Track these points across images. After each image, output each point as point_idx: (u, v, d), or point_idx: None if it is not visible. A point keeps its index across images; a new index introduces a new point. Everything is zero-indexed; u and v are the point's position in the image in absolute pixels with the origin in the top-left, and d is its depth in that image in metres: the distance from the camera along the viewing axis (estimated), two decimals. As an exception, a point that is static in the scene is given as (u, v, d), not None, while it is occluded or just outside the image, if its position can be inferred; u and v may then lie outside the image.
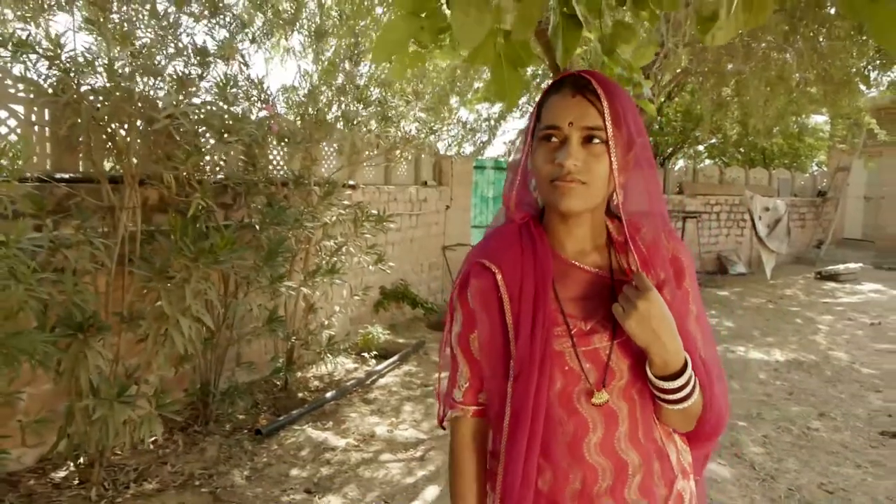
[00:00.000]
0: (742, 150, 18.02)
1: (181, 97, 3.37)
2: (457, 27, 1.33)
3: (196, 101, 3.62)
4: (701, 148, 19.06)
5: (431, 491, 3.67)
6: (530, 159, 1.24)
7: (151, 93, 3.53)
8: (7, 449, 3.09)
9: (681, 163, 18.25)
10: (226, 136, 3.49)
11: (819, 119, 17.61)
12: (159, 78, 3.46)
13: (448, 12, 1.44)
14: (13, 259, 2.66)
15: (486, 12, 1.34)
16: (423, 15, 1.41)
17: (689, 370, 1.17)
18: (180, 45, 3.66)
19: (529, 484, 1.19)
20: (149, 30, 3.63)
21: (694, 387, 1.18)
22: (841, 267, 12.88)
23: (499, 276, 1.25)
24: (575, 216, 1.22)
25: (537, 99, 1.23)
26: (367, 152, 6.05)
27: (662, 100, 10.04)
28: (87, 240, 3.31)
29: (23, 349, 2.74)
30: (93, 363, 3.22)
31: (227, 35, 4.13)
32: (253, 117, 4.25)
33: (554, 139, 1.18)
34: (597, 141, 1.16)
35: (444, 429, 1.40)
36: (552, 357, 1.19)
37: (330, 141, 5.21)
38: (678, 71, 7.23)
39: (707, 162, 19.33)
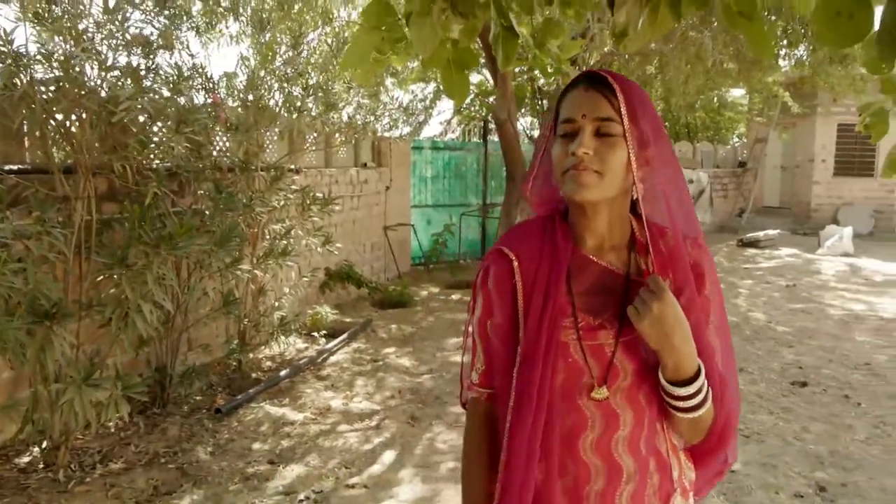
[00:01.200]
0: (667, 124, 18.72)
1: (134, 89, 3.47)
2: (414, 38, 1.56)
3: (147, 92, 3.72)
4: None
5: (388, 455, 3.94)
6: (550, 154, 1.27)
7: (104, 85, 3.62)
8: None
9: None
10: (181, 126, 3.61)
11: (737, 93, 18.44)
12: (111, 70, 3.55)
13: (404, 25, 1.67)
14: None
15: (437, 26, 1.58)
16: (382, 28, 1.65)
17: (703, 378, 1.17)
18: (128, 36, 3.76)
19: (532, 468, 1.19)
20: (96, 23, 3.72)
21: (706, 396, 1.18)
22: (761, 234, 13.66)
23: (515, 264, 1.27)
24: (591, 207, 1.23)
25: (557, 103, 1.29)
26: (308, 137, 6.20)
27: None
28: (46, 230, 3.41)
29: (-4, 337, 2.87)
30: (59, 349, 3.35)
31: (168, 24, 4.23)
32: (196, 104, 4.36)
33: (570, 133, 1.20)
34: (611, 132, 1.18)
35: (465, 408, 1.42)
36: (557, 346, 1.21)
37: (273, 127, 5.35)
38: (605, 51, 7.58)
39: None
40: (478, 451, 1.34)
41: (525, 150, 9.41)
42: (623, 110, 1.18)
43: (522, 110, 11.56)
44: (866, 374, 5.47)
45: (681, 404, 1.17)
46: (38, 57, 3.38)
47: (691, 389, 1.16)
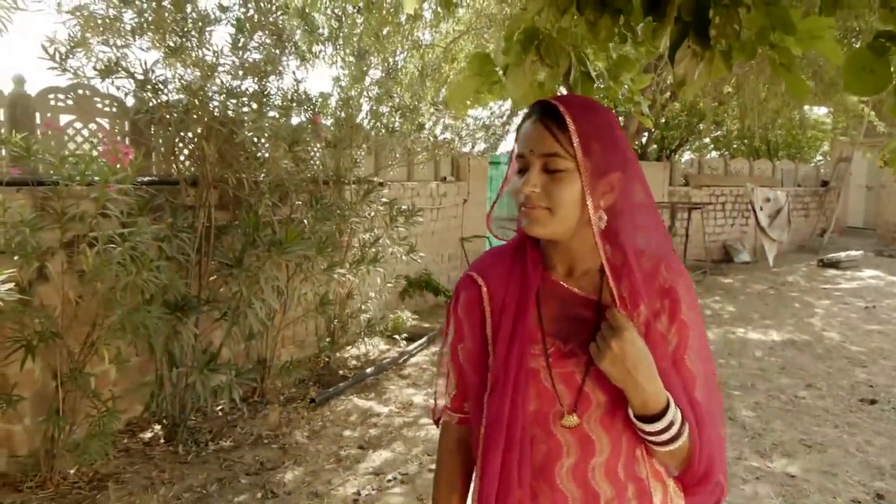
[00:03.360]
0: (746, 141, 18.52)
1: (256, 112, 3.98)
2: (509, 84, 1.94)
3: (265, 114, 4.22)
4: (707, 140, 19.56)
5: (466, 446, 4.30)
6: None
7: (228, 108, 4.14)
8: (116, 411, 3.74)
9: (687, 155, 18.78)
10: (293, 145, 4.10)
11: (821, 112, 18.08)
12: (236, 96, 4.07)
13: (500, 72, 2.05)
14: (134, 250, 3.30)
15: (528, 72, 1.95)
16: (482, 75, 2.03)
17: (672, 412, 1.14)
18: (247, 64, 4.28)
19: (504, 496, 1.18)
20: (215, 53, 4.25)
21: (680, 429, 1.15)
22: (842, 254, 13.39)
23: (484, 290, 1.28)
24: (549, 240, 1.24)
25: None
26: (395, 153, 6.67)
27: (663, 105, 10.57)
28: (175, 234, 3.94)
29: (141, 323, 3.38)
30: (185, 338, 3.86)
31: (277, 52, 4.74)
32: (303, 124, 4.85)
33: (522, 168, 1.20)
34: (558, 167, 1.16)
35: (437, 426, 1.45)
36: (527, 374, 1.20)
37: (364, 144, 5.81)
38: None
39: (713, 154, 19.85)
40: (449, 473, 1.38)
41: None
42: (575, 142, 1.15)
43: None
44: (939, 395, 5.50)
45: (654, 438, 1.15)
46: (177, 86, 3.91)
47: (660, 425, 1.13)
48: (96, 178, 3.32)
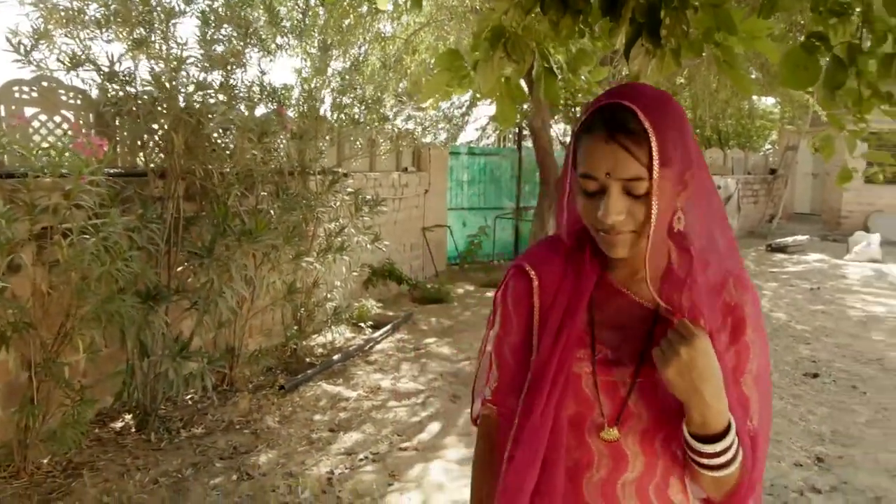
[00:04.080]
0: (698, 131, 19.01)
1: (226, 105, 4.06)
2: (478, 78, 2.09)
3: (233, 106, 4.29)
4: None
5: (434, 426, 4.47)
6: (576, 203, 1.15)
7: (195, 100, 4.20)
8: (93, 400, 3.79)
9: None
10: (262, 136, 4.19)
11: (769, 101, 18.66)
12: (204, 88, 4.13)
13: (468, 67, 2.19)
14: (106, 241, 3.36)
15: (496, 67, 2.10)
16: (452, 69, 2.17)
17: (732, 435, 1.06)
18: (214, 56, 4.34)
19: (524, 498, 1.14)
20: (178, 44, 4.29)
21: (735, 454, 1.06)
22: (789, 239, 13.91)
23: (535, 283, 1.21)
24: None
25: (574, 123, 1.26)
26: (357, 144, 6.77)
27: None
28: (145, 224, 3.99)
29: (114, 311, 3.45)
30: (157, 326, 3.93)
31: (241, 45, 4.80)
32: (270, 116, 4.92)
33: (593, 190, 1.08)
34: (640, 191, 1.05)
35: (475, 424, 1.36)
36: (568, 377, 1.14)
37: (329, 135, 5.90)
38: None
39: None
40: (489, 469, 1.28)
41: (558, 155, 9.87)
42: (655, 157, 1.02)
43: (556, 118, 12.03)
44: (877, 368, 5.85)
45: (705, 461, 1.07)
46: (145, 79, 3.96)
47: (718, 448, 1.05)
48: (65, 171, 3.37)
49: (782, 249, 13.65)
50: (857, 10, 1.73)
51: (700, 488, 1.15)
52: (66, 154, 3.37)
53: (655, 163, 1.02)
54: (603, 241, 1.10)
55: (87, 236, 3.33)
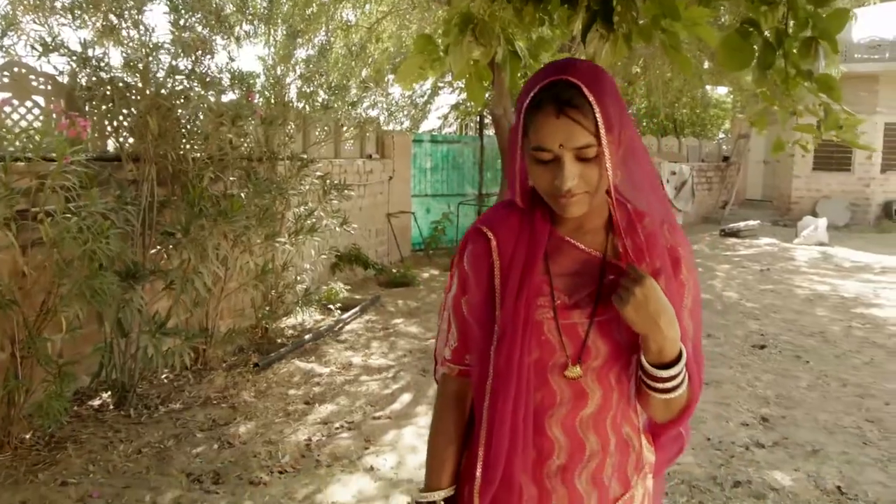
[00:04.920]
0: (654, 120, 19.49)
1: (200, 89, 4.18)
2: (450, 60, 2.29)
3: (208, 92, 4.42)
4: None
5: (406, 397, 4.68)
6: (529, 172, 1.25)
7: (168, 86, 4.32)
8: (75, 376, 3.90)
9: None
10: (236, 121, 4.32)
11: (722, 91, 19.22)
12: (177, 74, 4.25)
13: (440, 50, 2.39)
14: (88, 220, 3.48)
15: (466, 51, 2.30)
16: (426, 53, 2.36)
17: (684, 360, 1.19)
18: (186, 43, 4.46)
19: (516, 446, 1.22)
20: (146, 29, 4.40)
21: (684, 377, 1.20)
22: (742, 224, 14.43)
23: (493, 243, 1.29)
24: None
25: (519, 116, 1.23)
26: (319, 131, 6.92)
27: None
28: (121, 206, 4.11)
29: (97, 288, 3.57)
30: (135, 305, 4.05)
31: (210, 32, 4.91)
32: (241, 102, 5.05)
33: (546, 160, 1.18)
34: (590, 155, 1.16)
35: (437, 383, 1.45)
36: (532, 325, 1.22)
37: (298, 123, 6.04)
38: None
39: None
40: (446, 424, 1.38)
41: (519, 143, 10.11)
42: (600, 123, 1.14)
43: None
44: (819, 340, 6.23)
45: (660, 385, 1.20)
46: (118, 64, 4.07)
47: (673, 371, 1.18)
48: (48, 153, 3.48)
49: (735, 234, 14.15)
50: (784, -1, 1.97)
51: (650, 413, 1.30)
52: (46, 137, 3.47)
53: (602, 130, 1.14)
54: (559, 205, 1.20)
55: (68, 216, 3.44)
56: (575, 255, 1.28)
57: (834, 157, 16.85)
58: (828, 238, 13.11)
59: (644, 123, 19.77)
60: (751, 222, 14.69)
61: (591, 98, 1.14)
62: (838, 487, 3.39)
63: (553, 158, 1.17)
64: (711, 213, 17.09)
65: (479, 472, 1.27)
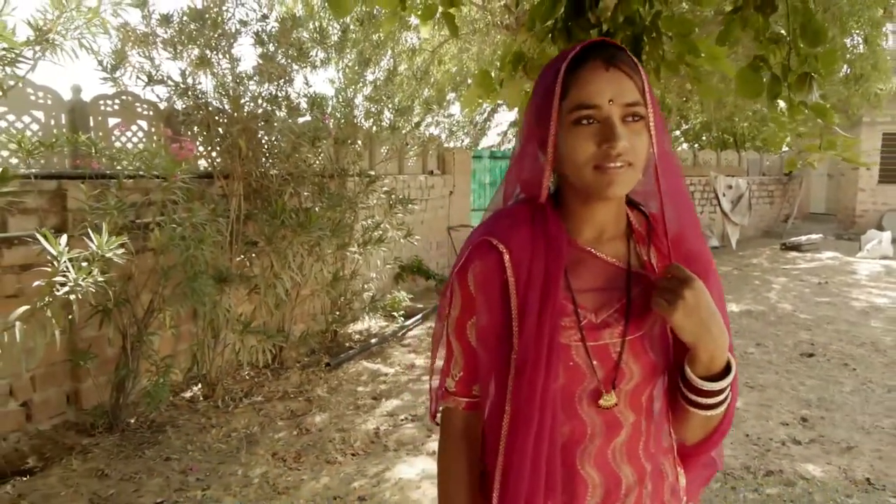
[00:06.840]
0: (715, 134, 19.45)
1: (289, 114, 4.72)
2: (505, 93, 2.70)
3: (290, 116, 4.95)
4: (677, 133, 20.47)
5: (464, 394, 5.06)
6: (562, 144, 1.08)
7: (257, 111, 4.86)
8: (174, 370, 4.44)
9: (658, 147, 19.61)
10: (316, 142, 4.83)
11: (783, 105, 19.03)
12: (267, 101, 4.80)
13: (497, 84, 2.80)
14: (188, 230, 4.01)
15: (519, 83, 2.71)
16: (484, 86, 2.78)
17: (734, 371, 1.09)
18: (272, 72, 5.00)
19: (537, 488, 1.08)
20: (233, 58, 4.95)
21: (730, 391, 1.10)
22: (803, 238, 14.31)
23: (506, 257, 1.13)
24: (575, 203, 1.15)
25: (556, 77, 1.08)
26: (383, 150, 7.42)
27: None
28: (214, 218, 4.64)
29: (198, 289, 4.09)
30: (224, 306, 4.57)
31: (290, 63, 5.45)
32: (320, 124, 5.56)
33: (591, 119, 1.05)
34: (638, 118, 1.05)
35: (437, 424, 1.30)
36: (558, 350, 1.08)
37: (365, 141, 6.55)
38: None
39: (683, 146, 20.77)
40: (456, 465, 1.23)
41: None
42: (646, 85, 1.06)
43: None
44: (870, 350, 6.34)
45: (707, 401, 1.09)
46: (214, 93, 4.64)
47: (724, 384, 1.08)
48: (158, 172, 4.03)
49: (796, 248, 14.05)
50: (788, 38, 2.30)
51: (682, 434, 1.20)
52: (157, 158, 4.03)
53: (647, 90, 1.06)
54: (604, 178, 1.05)
55: (175, 226, 3.98)
56: (598, 267, 1.15)
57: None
58: (892, 251, 12.93)
59: (703, 138, 19.77)
60: (813, 236, 14.56)
61: (635, 60, 1.08)
62: (867, 479, 3.62)
63: (598, 120, 1.05)
64: (773, 226, 16.97)
65: None
